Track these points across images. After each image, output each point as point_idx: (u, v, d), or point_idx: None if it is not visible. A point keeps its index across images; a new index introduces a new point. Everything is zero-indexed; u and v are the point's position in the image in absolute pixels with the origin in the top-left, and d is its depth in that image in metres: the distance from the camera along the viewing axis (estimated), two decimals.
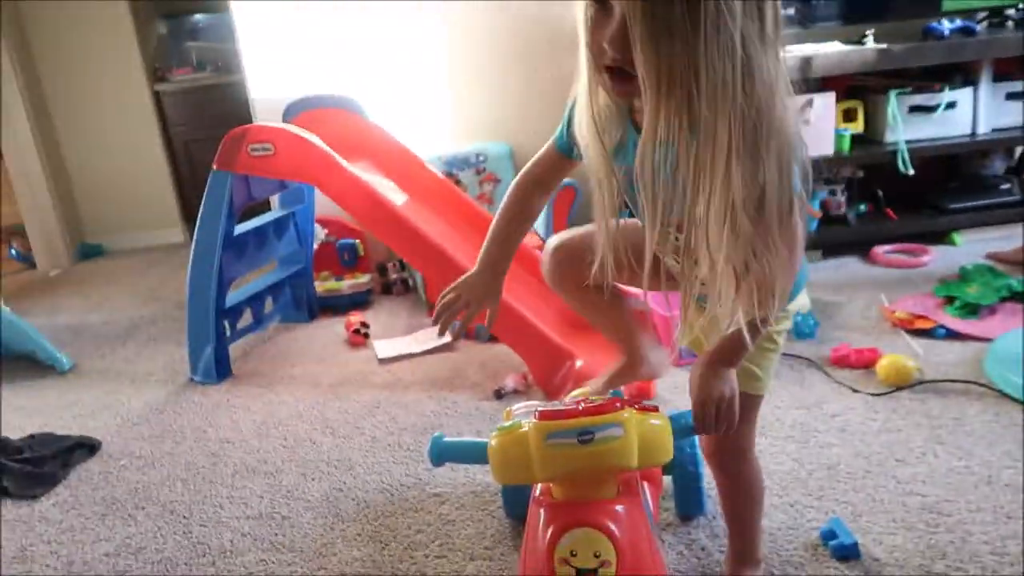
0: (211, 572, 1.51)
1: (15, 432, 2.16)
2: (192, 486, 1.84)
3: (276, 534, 1.62)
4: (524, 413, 0.97)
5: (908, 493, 1.53)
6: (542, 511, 0.95)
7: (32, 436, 2.11)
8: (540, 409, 0.93)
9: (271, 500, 1.74)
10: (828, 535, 1.40)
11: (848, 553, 1.36)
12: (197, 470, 1.91)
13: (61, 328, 3.13)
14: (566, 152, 1.15)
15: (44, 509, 1.80)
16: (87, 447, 2.04)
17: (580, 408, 0.92)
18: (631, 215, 1.04)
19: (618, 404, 0.92)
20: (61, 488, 1.88)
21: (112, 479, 1.91)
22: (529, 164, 1.21)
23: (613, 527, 0.90)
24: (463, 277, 1.23)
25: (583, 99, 0.97)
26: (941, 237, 2.96)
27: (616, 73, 0.87)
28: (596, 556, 0.89)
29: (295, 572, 1.49)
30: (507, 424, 0.96)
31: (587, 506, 0.93)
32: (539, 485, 1.00)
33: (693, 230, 0.90)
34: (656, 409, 0.96)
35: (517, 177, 1.21)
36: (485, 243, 1.23)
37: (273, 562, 1.53)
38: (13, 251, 4.36)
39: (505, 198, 1.23)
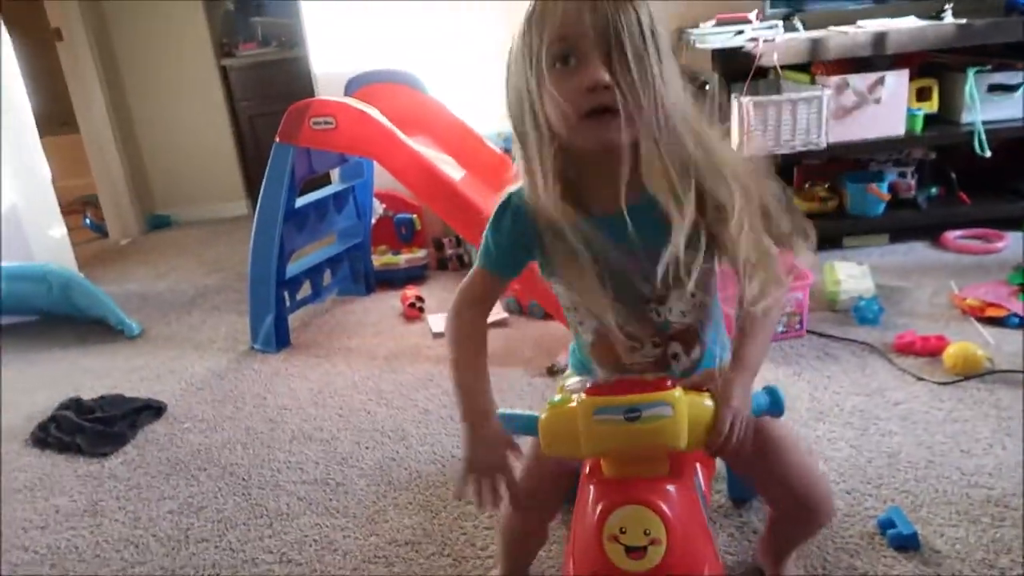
0: (268, 533, 1.56)
1: (87, 393, 2.26)
2: (251, 450, 1.89)
3: (331, 499, 1.66)
4: (577, 387, 0.96)
5: (973, 485, 1.48)
6: (592, 488, 0.94)
7: (103, 397, 2.21)
8: (590, 384, 0.93)
9: (326, 466, 1.79)
10: (886, 524, 1.37)
11: (907, 543, 1.32)
12: (256, 435, 1.96)
13: (130, 295, 3.24)
14: (505, 273, 1.05)
15: (113, 467, 1.88)
16: (153, 409, 2.13)
17: (630, 384, 0.90)
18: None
19: (669, 383, 0.91)
20: (129, 447, 1.96)
21: (176, 440, 1.98)
22: (463, 293, 1.06)
23: (664, 505, 0.88)
24: (467, 456, 0.99)
25: (538, 193, 0.94)
26: (1018, 223, 2.83)
27: (597, 114, 0.88)
28: (646, 534, 0.87)
29: (348, 537, 1.52)
30: (557, 398, 0.95)
31: (637, 483, 0.91)
32: (588, 462, 0.99)
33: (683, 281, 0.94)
34: (709, 391, 0.94)
35: (455, 310, 1.05)
36: (462, 396, 1.02)
37: (327, 526, 1.57)
38: (87, 220, 4.54)
39: (454, 337, 1.05)
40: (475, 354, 1.03)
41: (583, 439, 0.90)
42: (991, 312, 2.14)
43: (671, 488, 0.91)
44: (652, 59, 0.87)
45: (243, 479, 1.77)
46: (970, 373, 1.85)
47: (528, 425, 0.99)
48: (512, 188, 1.02)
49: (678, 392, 0.89)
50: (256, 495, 1.70)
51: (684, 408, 0.88)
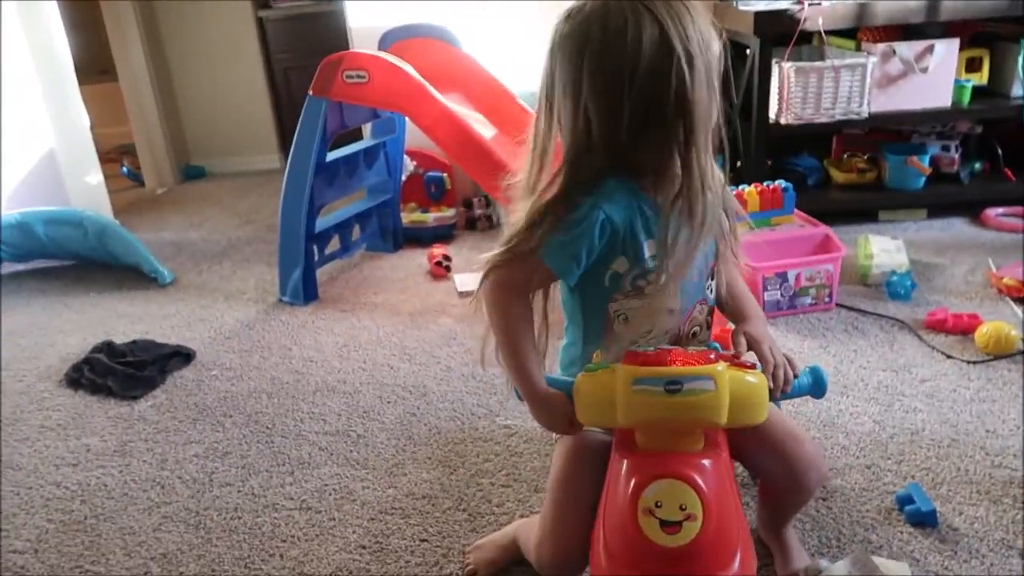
0: (289, 481, 1.60)
1: (120, 337, 2.31)
2: (276, 400, 1.93)
3: (351, 451, 1.69)
4: (612, 357, 0.94)
5: (996, 466, 1.46)
6: (626, 460, 0.92)
7: (135, 342, 2.26)
8: (629, 351, 0.90)
9: (348, 419, 1.81)
10: (904, 500, 1.35)
11: (924, 519, 1.31)
12: (281, 385, 2.00)
13: (164, 244, 3.29)
14: (569, 276, 0.99)
15: (143, 410, 1.93)
16: (183, 355, 2.17)
17: (671, 355, 0.88)
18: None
19: (712, 356, 0.88)
20: (159, 392, 2.01)
21: (204, 387, 2.02)
22: (515, 283, 1.00)
23: (701, 481, 0.87)
24: (541, 423, 1.01)
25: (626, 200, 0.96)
26: None
27: None
28: (682, 509, 0.86)
29: (367, 488, 1.55)
30: (595, 364, 0.93)
31: (675, 457, 0.89)
32: (618, 434, 0.96)
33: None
34: (753, 367, 0.91)
35: (506, 301, 1.00)
36: (519, 380, 1.01)
37: (347, 476, 1.60)
38: (125, 169, 4.60)
39: (504, 327, 1.01)
40: (527, 340, 1.01)
41: (620, 408, 0.88)
42: None
43: (707, 463, 0.90)
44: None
45: (267, 427, 1.81)
46: (1001, 353, 1.82)
47: (564, 389, 0.98)
48: (598, 196, 0.96)
49: (721, 366, 0.87)
50: (279, 443, 1.74)
51: (726, 383, 0.86)
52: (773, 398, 0.93)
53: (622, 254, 0.98)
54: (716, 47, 0.91)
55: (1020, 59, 2.56)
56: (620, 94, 0.88)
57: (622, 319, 1.03)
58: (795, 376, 0.99)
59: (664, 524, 0.86)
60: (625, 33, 0.87)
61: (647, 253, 0.98)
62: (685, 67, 0.87)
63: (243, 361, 2.15)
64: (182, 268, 2.96)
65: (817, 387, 0.97)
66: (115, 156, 4.68)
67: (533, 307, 1.05)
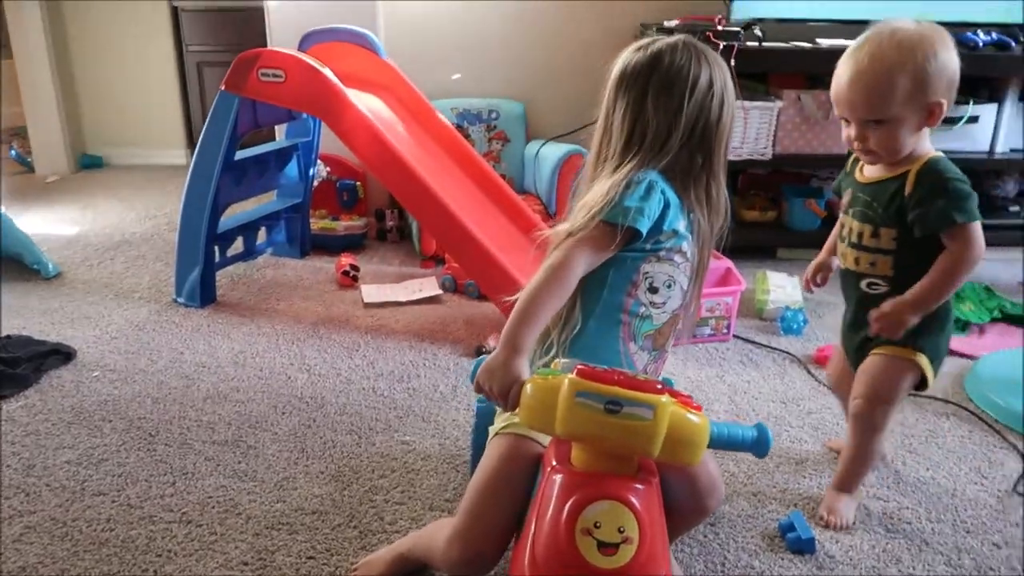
0: (170, 492, 1.51)
1: None
2: (162, 406, 1.83)
3: (239, 462, 1.61)
4: (570, 366, 0.93)
5: (872, 497, 1.53)
6: (562, 476, 0.92)
7: (8, 337, 2.10)
8: (581, 366, 0.91)
9: (238, 428, 1.74)
10: (787, 527, 1.40)
11: (803, 547, 1.36)
12: (169, 390, 1.90)
13: (52, 235, 3.10)
14: (641, 227, 1.09)
15: (11, 410, 1.80)
16: (62, 354, 2.03)
17: (620, 377, 0.89)
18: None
19: (659, 386, 0.89)
20: (31, 392, 1.88)
21: (83, 389, 1.90)
22: (585, 241, 1.09)
23: (639, 505, 0.88)
24: (489, 367, 1.02)
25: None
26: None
27: None
28: (620, 531, 0.87)
29: (254, 501, 1.49)
30: (547, 370, 0.94)
31: (616, 480, 0.90)
32: (554, 451, 0.97)
33: None
34: (700, 408, 0.92)
35: (572, 255, 1.08)
36: (516, 323, 1.05)
37: (233, 489, 1.53)
38: (13, 152, 4.32)
39: (553, 276, 1.07)
40: (559, 299, 1.08)
41: (560, 417, 0.89)
42: None
43: (643, 488, 0.91)
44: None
45: (150, 434, 1.71)
46: None
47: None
48: (646, 173, 1.12)
49: (665, 398, 0.88)
50: (162, 452, 1.65)
51: (666, 417, 0.87)
52: (712, 444, 0.93)
53: (665, 225, 1.13)
54: (733, 96, 1.19)
55: None
56: (679, 111, 1.13)
57: (648, 282, 1.15)
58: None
59: (601, 545, 0.87)
60: (685, 68, 1.13)
61: (681, 227, 1.16)
62: (722, 102, 1.15)
63: (129, 363, 2.03)
64: (69, 261, 2.79)
65: (760, 445, 0.96)
66: (4, 137, 4.38)
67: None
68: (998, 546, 1.40)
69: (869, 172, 1.40)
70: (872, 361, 1.40)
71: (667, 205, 1.13)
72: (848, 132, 1.35)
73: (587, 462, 0.92)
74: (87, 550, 1.35)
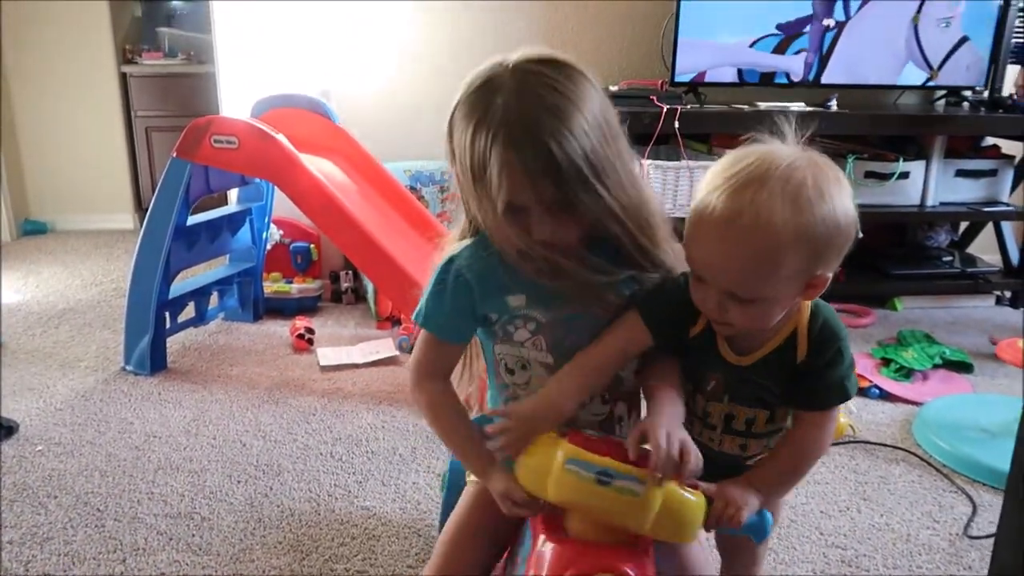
0: (120, 570, 1.46)
1: None
2: (111, 479, 1.77)
3: (193, 535, 1.56)
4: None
5: (830, 546, 1.55)
6: (556, 545, 0.89)
7: None
8: (570, 431, 0.90)
9: (192, 499, 1.69)
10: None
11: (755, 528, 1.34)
12: (118, 463, 1.84)
13: None
14: (454, 339, 1.05)
15: None
16: (4, 428, 1.96)
17: (614, 447, 0.88)
18: None
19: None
20: None
21: (26, 464, 1.83)
22: (418, 366, 1.05)
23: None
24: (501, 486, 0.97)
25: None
26: (884, 301, 3.05)
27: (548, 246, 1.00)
28: None
29: (209, 575, 1.44)
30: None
31: (607, 551, 0.87)
32: (541, 519, 0.94)
33: None
34: (696, 486, 0.89)
35: (416, 385, 1.06)
36: (468, 463, 1.06)
37: (187, 563, 1.48)
38: None
39: (429, 415, 1.05)
40: (459, 419, 1.04)
41: (551, 483, 0.87)
42: None
43: (640, 559, 0.88)
44: (595, 183, 0.92)
45: (98, 509, 1.65)
46: (833, 440, 1.96)
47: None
48: (453, 251, 1.02)
49: (659, 473, 0.85)
50: (111, 527, 1.59)
51: (658, 493, 0.84)
52: (707, 526, 0.91)
53: (478, 310, 1.02)
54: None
55: (846, 172, 2.86)
56: (454, 159, 1.06)
57: (503, 363, 1.05)
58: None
59: None
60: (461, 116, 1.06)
61: (513, 303, 1.01)
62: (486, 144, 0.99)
63: (75, 436, 1.97)
64: (11, 331, 2.70)
65: (759, 530, 0.92)
66: None
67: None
68: None
69: (741, 347, 0.99)
70: None
71: (470, 290, 1.00)
72: (702, 294, 0.93)
73: (582, 528, 0.91)
74: None
